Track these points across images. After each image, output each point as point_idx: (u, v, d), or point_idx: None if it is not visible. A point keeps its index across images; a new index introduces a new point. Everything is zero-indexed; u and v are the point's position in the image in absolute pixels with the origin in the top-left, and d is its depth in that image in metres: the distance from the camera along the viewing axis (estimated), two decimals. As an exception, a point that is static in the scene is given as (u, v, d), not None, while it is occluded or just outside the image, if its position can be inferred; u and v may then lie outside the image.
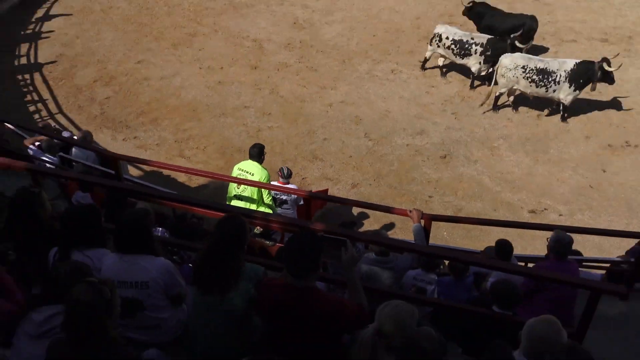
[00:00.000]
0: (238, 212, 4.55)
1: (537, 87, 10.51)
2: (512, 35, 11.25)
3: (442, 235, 8.12)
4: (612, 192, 9.10)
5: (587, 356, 3.03)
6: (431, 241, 7.46)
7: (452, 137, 10.28)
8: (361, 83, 12.00)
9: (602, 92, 11.47)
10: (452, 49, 11.59)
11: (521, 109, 11.12)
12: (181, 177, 9.23)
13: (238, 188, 6.63)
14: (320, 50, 13.32)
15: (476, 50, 11.33)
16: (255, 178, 6.46)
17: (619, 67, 10.33)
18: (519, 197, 8.97)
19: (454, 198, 8.93)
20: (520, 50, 11.13)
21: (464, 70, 12.22)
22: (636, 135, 10.41)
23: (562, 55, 11.88)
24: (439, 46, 11.81)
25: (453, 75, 12.30)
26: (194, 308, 3.29)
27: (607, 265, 6.41)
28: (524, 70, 10.46)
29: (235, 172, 6.70)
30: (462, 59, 11.52)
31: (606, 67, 10.16)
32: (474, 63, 11.40)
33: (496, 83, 10.86)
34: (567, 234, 4.71)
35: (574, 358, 2.90)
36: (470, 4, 12.77)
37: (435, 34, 11.88)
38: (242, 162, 6.77)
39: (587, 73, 10.28)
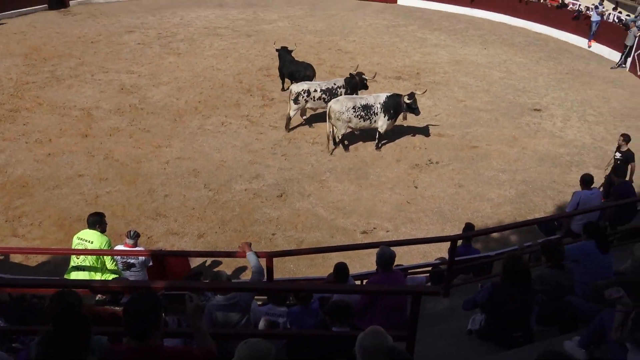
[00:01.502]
0: (74, 284, 4.09)
1: (364, 121, 11.19)
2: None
3: (289, 268, 8.12)
4: (425, 204, 9.83)
5: (405, 356, 3.11)
6: (279, 275, 7.45)
7: (285, 177, 10.45)
8: (194, 138, 11.78)
9: (404, 121, 12.52)
10: (324, 98, 11.82)
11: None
12: (17, 257, 8.19)
13: (77, 258, 6.02)
14: (150, 112, 12.88)
15: (342, 92, 11.89)
16: (95, 246, 5.92)
17: (424, 92, 11.79)
18: (351, 221, 9.32)
19: (295, 232, 9.02)
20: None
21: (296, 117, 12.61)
22: (435, 154, 11.45)
23: (368, 93, 12.75)
24: (307, 101, 11.81)
25: (278, 122, 12.59)
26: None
27: (429, 268, 6.84)
28: (354, 109, 11.07)
29: (75, 243, 6.08)
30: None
31: (407, 101, 11.16)
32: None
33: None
34: (390, 248, 4.93)
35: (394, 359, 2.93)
36: (278, 48, 13.85)
37: (301, 92, 11.76)
38: (81, 232, 6.17)
39: (395, 104, 11.24)
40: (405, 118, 11.58)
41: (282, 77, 14.01)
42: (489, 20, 22.45)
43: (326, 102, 11.62)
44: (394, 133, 12.03)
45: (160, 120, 12.49)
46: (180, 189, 9.97)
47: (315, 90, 11.87)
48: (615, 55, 17.63)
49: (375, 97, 11.39)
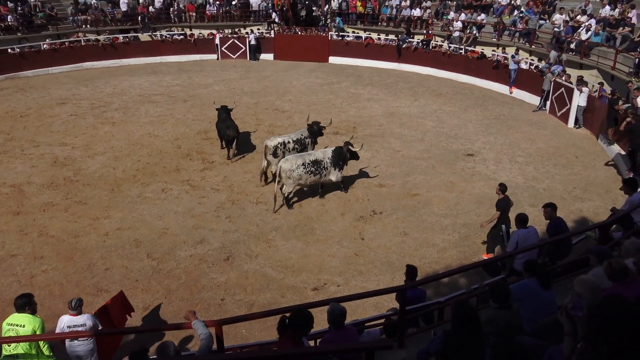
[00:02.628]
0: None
1: (314, 176, 11.47)
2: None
3: (241, 333, 7.88)
4: (373, 255, 9.89)
5: None
6: (231, 341, 7.21)
7: (231, 239, 10.29)
8: (134, 207, 11.48)
9: (345, 174, 12.74)
10: (296, 148, 12.39)
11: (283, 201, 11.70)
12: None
13: (9, 347, 5.61)
14: (86, 184, 12.51)
15: (308, 141, 12.77)
16: (28, 330, 5.56)
17: (361, 147, 12.20)
18: (301, 279, 9.22)
19: (245, 295, 8.81)
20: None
21: (233, 177, 12.58)
22: (378, 204, 11.66)
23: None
24: (284, 153, 12.01)
25: (220, 184, 12.51)
26: None
27: (382, 320, 6.80)
28: (304, 166, 11.27)
29: (5, 329, 5.69)
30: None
31: (351, 148, 11.91)
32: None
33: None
34: (339, 304, 4.88)
35: None
36: (218, 107, 14.23)
37: (277, 145, 12.14)
38: (10, 316, 5.80)
39: (341, 155, 11.80)
40: (346, 164, 12.23)
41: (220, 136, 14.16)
42: (416, 73, 23.59)
43: (298, 152, 12.24)
44: (335, 187, 12.19)
45: (97, 192, 12.13)
46: (122, 261, 9.61)
47: (289, 142, 12.38)
48: (535, 99, 18.83)
49: (323, 152, 11.82)
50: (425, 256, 9.86)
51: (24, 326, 5.62)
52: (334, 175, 11.76)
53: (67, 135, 15.63)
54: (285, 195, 11.45)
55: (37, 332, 5.74)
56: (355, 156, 12.10)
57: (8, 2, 24.79)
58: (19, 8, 24.85)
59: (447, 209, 11.52)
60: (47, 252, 9.86)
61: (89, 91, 20.38)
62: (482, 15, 23.89)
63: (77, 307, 6.17)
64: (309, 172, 11.40)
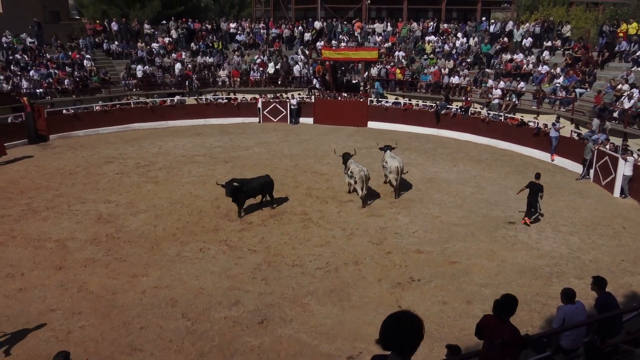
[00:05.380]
0: None
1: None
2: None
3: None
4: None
5: None
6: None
7: (266, 302, 10.19)
8: (172, 265, 11.59)
9: (382, 242, 12.62)
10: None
11: (320, 264, 11.60)
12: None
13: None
14: (127, 241, 12.75)
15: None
16: (64, 388, 5.57)
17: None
18: (336, 346, 8.98)
19: (278, 360, 8.62)
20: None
21: (270, 238, 12.63)
22: (416, 271, 11.41)
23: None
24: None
25: (257, 245, 12.56)
26: None
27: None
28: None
29: (41, 387, 5.71)
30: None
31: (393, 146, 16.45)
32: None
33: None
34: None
35: None
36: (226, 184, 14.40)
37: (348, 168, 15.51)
38: (48, 374, 5.82)
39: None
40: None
41: None
42: (455, 139, 23.65)
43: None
44: (373, 251, 12.05)
45: (137, 249, 12.33)
46: (157, 320, 9.59)
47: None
48: (577, 167, 18.49)
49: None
50: (466, 327, 9.48)
51: (59, 384, 5.63)
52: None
53: (112, 192, 16.13)
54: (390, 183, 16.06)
55: (71, 391, 5.73)
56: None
57: (67, 67, 26.44)
58: (76, 72, 26.45)
59: (488, 278, 11.17)
60: (85, 308, 9.96)
61: (135, 151, 21.16)
62: (522, 84, 24.02)
63: None
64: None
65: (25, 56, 26.21)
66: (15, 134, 21.94)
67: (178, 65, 28.22)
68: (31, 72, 25.22)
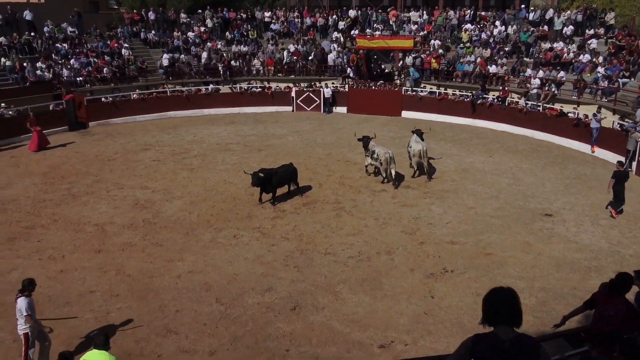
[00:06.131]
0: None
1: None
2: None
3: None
4: (443, 315, 9.51)
5: None
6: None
7: (298, 289, 10.26)
8: (207, 251, 11.77)
9: (415, 232, 12.53)
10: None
11: (352, 252, 11.61)
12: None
13: (86, 380, 5.81)
14: (163, 226, 13.01)
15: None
16: (103, 366, 5.75)
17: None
18: (367, 335, 8.98)
19: (310, 347, 8.67)
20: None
21: (302, 226, 12.68)
22: (449, 262, 11.30)
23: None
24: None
25: (290, 233, 12.63)
26: None
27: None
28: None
29: (83, 365, 5.91)
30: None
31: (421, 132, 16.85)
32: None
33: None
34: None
35: None
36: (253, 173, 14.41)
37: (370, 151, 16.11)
38: (88, 353, 6.02)
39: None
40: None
41: None
42: (491, 129, 23.22)
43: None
44: (406, 241, 11.99)
45: (172, 234, 12.57)
46: (192, 304, 9.78)
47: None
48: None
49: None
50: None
51: (99, 363, 5.81)
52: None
53: (148, 179, 16.46)
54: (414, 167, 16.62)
55: (111, 370, 5.91)
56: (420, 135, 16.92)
57: (105, 56, 27.00)
58: (114, 61, 26.98)
59: (523, 271, 10.98)
60: (123, 290, 10.22)
61: (171, 138, 21.51)
62: (562, 73, 23.37)
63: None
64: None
65: (66, 45, 26.86)
66: (57, 121, 22.59)
67: (204, 54, 28.45)
68: (71, 61, 25.85)
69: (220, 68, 28.18)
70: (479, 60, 26.23)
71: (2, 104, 21.38)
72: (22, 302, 7.48)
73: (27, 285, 7.60)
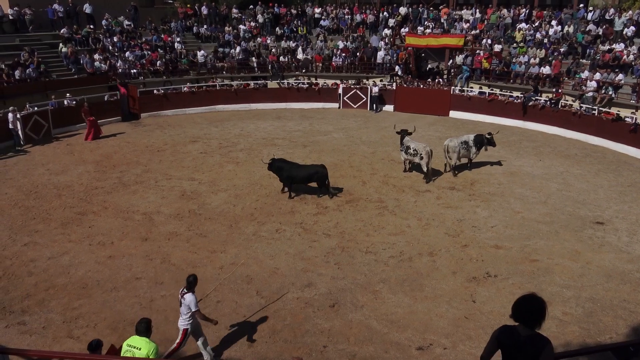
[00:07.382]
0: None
1: (466, 151, 16.87)
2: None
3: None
4: (484, 321, 9.33)
5: None
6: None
7: (338, 286, 10.28)
8: (249, 244, 11.94)
9: (459, 234, 12.32)
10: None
11: (393, 252, 11.53)
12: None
13: (127, 365, 6.00)
14: (208, 218, 13.27)
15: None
16: (143, 353, 5.92)
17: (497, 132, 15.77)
18: (406, 336, 8.92)
19: (347, 345, 8.68)
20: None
21: (344, 224, 12.68)
22: (493, 266, 11.07)
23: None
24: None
25: (332, 229, 12.66)
26: None
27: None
28: (461, 144, 16.63)
29: (125, 349, 6.10)
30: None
31: (487, 136, 16.95)
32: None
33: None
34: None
35: None
36: (271, 161, 14.68)
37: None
38: (131, 338, 6.21)
39: (480, 140, 16.87)
40: (486, 149, 17.24)
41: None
42: (542, 132, 22.56)
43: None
44: (448, 244, 11.81)
45: (216, 226, 12.81)
46: (233, 295, 9.95)
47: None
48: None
49: (468, 137, 17.04)
50: (543, 329, 9.06)
51: (140, 349, 5.98)
52: (473, 152, 16.96)
53: (195, 171, 16.82)
54: (453, 166, 16.66)
55: (150, 357, 6.07)
56: (492, 143, 17.03)
57: (159, 49, 27.70)
58: (167, 55, 27.66)
59: (571, 279, 10.63)
60: (167, 278, 10.50)
61: (219, 132, 21.90)
62: (620, 75, 22.43)
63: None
64: (465, 149, 16.69)
65: (122, 38, 27.70)
66: (111, 112, 23.44)
67: (238, 49, 28.72)
68: (127, 54, 26.65)
69: (267, 63, 28.46)
70: (531, 60, 25.48)
71: (68, 94, 22.31)
72: (190, 298, 7.57)
73: (192, 282, 7.69)
